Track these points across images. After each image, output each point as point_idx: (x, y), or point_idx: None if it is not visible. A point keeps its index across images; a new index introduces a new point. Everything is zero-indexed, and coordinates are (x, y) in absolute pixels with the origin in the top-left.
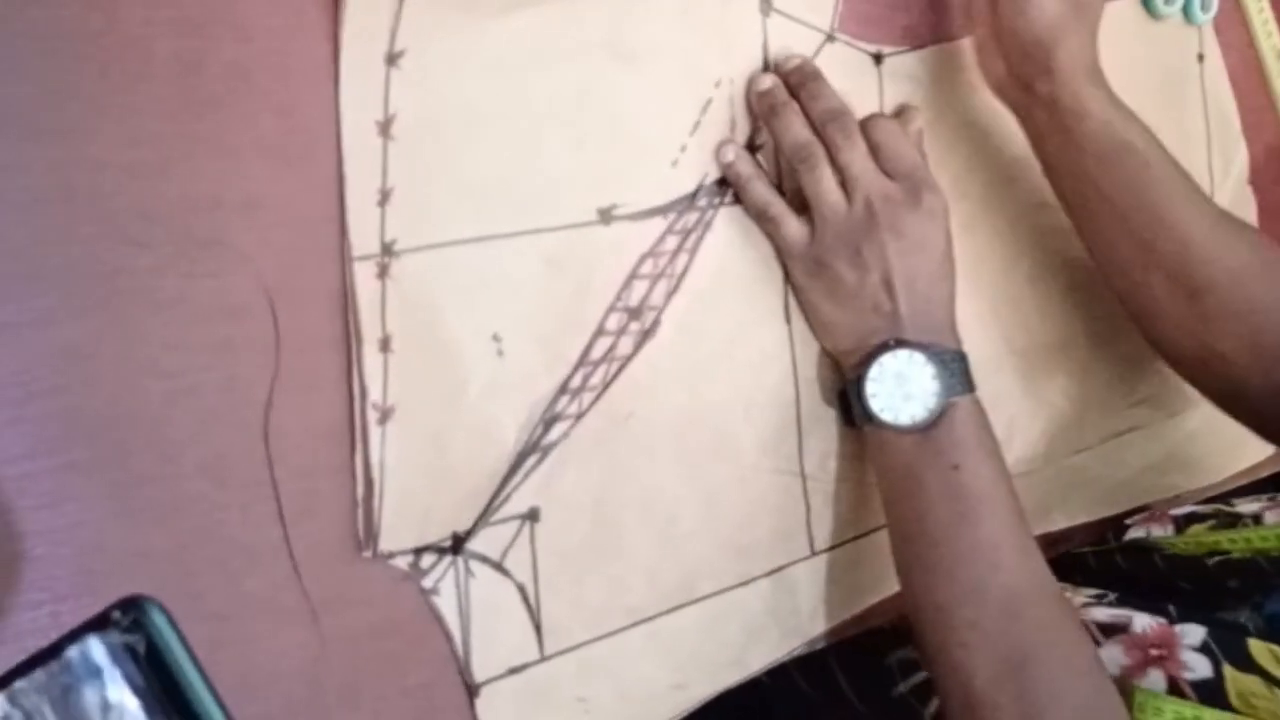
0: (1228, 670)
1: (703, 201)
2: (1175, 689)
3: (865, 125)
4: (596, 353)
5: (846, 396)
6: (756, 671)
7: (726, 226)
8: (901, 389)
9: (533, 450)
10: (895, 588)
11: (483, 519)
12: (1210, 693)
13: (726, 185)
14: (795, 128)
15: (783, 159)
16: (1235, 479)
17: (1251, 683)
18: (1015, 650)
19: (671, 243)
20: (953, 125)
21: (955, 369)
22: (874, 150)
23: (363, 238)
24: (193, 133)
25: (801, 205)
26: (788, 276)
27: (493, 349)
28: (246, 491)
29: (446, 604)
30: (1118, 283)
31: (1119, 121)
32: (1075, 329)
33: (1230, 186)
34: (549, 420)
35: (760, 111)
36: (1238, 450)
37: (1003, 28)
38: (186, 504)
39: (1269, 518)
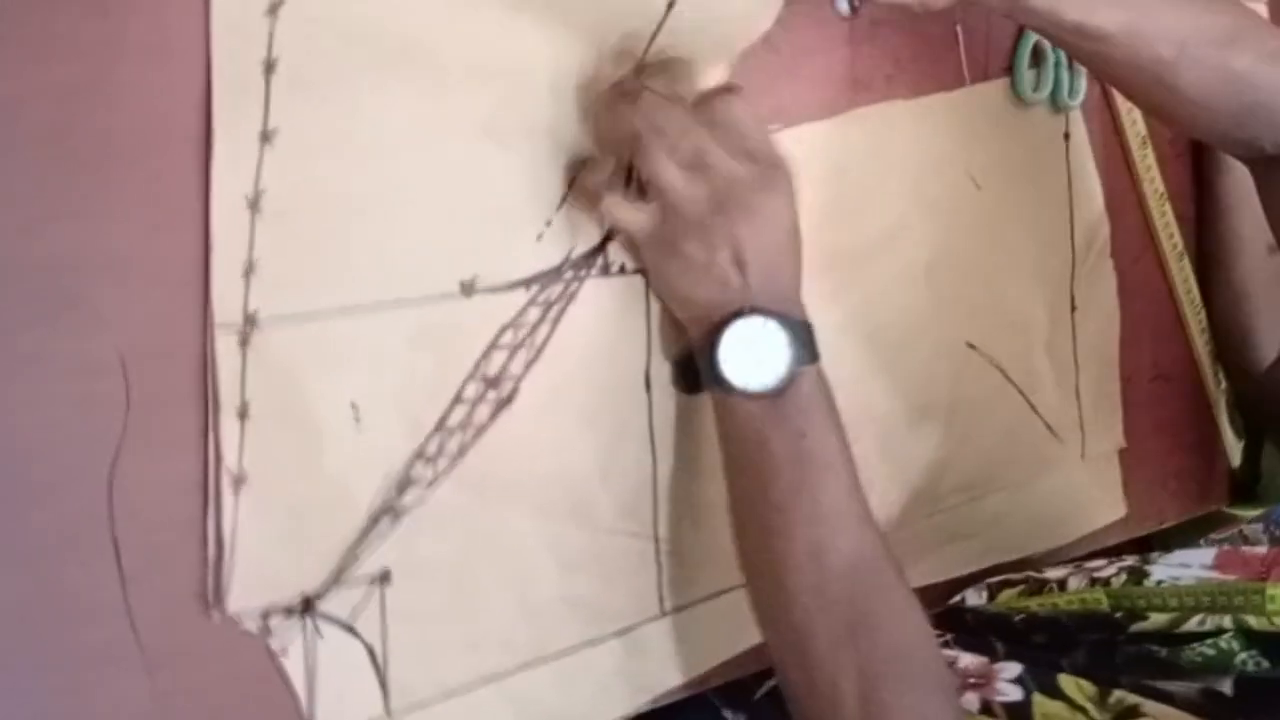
0: (1036, 697)
1: (568, 274)
2: (987, 709)
3: (709, 102)
4: (453, 420)
5: (687, 364)
6: None
7: (591, 299)
8: (753, 355)
9: (386, 514)
10: (743, 647)
11: (334, 580)
12: (1018, 714)
13: (592, 259)
14: (627, 117)
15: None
16: (1086, 542)
17: (1057, 707)
18: (855, 614)
19: (534, 314)
20: (824, 200)
21: (803, 338)
22: (716, 129)
23: (226, 306)
24: (59, 196)
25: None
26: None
27: (350, 417)
28: (93, 546)
29: (294, 664)
30: None
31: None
32: (936, 397)
33: (1092, 259)
34: (403, 485)
35: (602, 107)
36: (1090, 513)
37: None
38: (33, 557)
39: (1072, 583)
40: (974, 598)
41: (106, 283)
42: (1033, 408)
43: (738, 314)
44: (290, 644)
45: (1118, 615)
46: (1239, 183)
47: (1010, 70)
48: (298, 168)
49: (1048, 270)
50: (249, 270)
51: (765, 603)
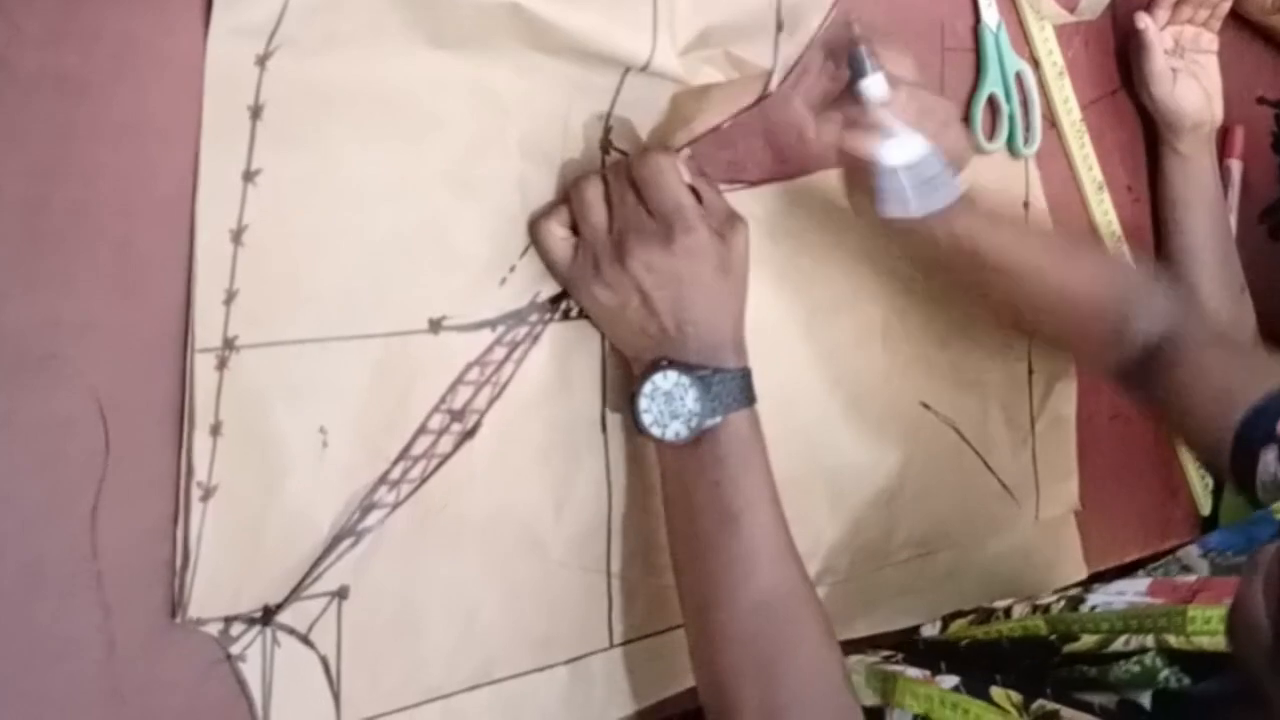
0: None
1: (533, 317)
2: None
3: (634, 161)
4: (418, 449)
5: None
6: None
7: (553, 341)
8: (669, 407)
9: (348, 534)
10: (691, 682)
11: (294, 594)
12: None
13: (556, 303)
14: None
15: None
16: None
17: (986, 709)
18: (762, 652)
19: (499, 353)
20: (782, 259)
21: (730, 387)
22: (638, 186)
23: (207, 331)
24: (34, 264)
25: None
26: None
27: (318, 441)
28: (64, 585)
29: (251, 671)
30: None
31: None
32: (888, 454)
33: None
34: (366, 508)
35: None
36: (1044, 575)
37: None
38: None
39: (1016, 610)
40: (928, 629)
41: (79, 342)
42: (988, 467)
43: (656, 365)
44: (249, 651)
45: (1052, 638)
46: (1197, 232)
47: (965, 120)
48: (279, 206)
49: (1005, 334)
50: (230, 298)
51: (690, 638)
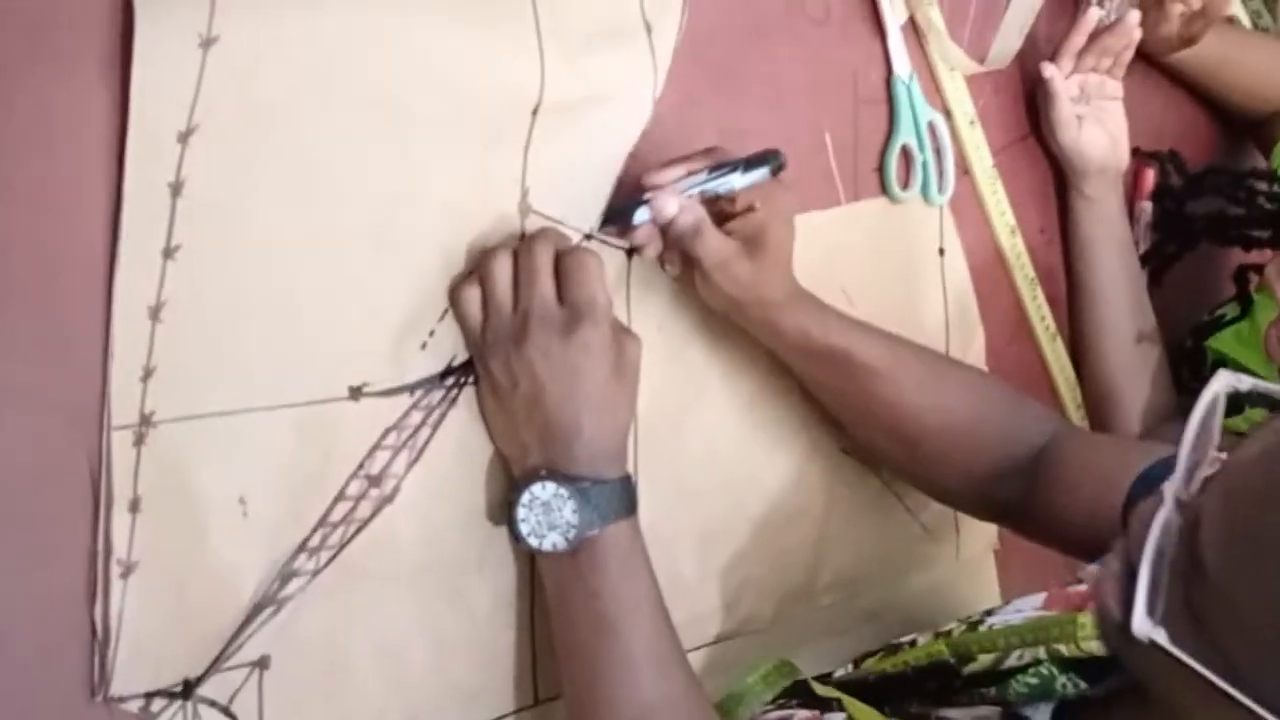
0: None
1: (449, 381)
2: None
3: (562, 253)
4: (336, 515)
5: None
6: None
7: (470, 405)
8: (547, 518)
9: (269, 604)
10: None
11: (214, 666)
12: None
13: (471, 367)
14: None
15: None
16: None
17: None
18: None
19: (416, 418)
20: (697, 313)
21: (610, 497)
22: (560, 275)
23: (123, 409)
24: None
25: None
26: None
27: (239, 510)
28: None
29: None
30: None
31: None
32: (809, 500)
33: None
34: (286, 576)
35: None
36: (962, 610)
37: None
38: None
39: (920, 640)
40: (841, 672)
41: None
42: (908, 510)
43: (536, 474)
44: None
45: (953, 661)
46: (1106, 272)
47: (880, 170)
48: (198, 280)
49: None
50: (147, 375)
51: None
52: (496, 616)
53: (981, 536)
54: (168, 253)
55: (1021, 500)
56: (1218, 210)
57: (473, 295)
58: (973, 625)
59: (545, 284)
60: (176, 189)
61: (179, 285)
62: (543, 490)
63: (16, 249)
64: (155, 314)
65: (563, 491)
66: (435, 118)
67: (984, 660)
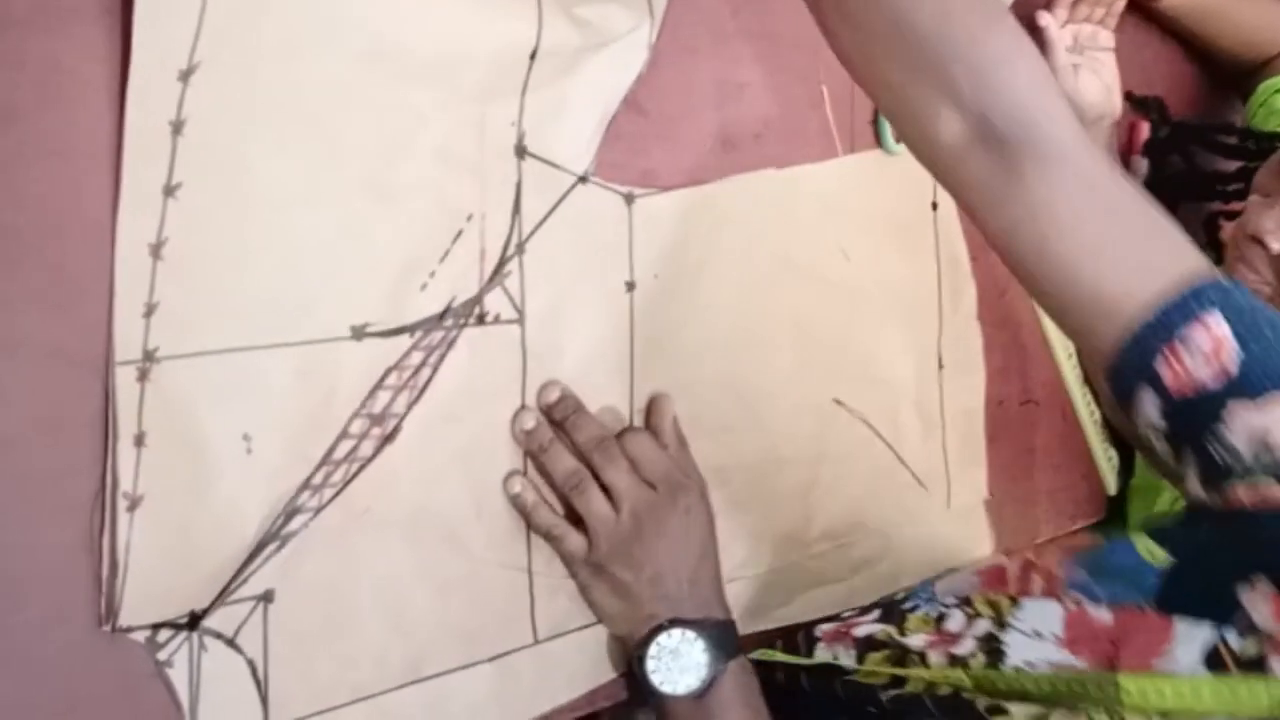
0: None
1: (449, 322)
2: None
3: (622, 441)
4: (339, 453)
5: (632, 674)
6: None
7: (469, 346)
8: (678, 663)
9: (273, 539)
10: (607, 677)
11: (219, 599)
12: None
13: (470, 308)
14: (564, 459)
15: (556, 486)
16: None
17: None
18: None
19: (416, 358)
20: (694, 259)
21: (726, 637)
22: (632, 463)
23: (126, 345)
24: None
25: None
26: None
27: (242, 447)
28: None
29: (179, 676)
30: None
31: None
32: (802, 449)
33: (959, 321)
34: (290, 513)
35: (529, 449)
36: (955, 559)
37: None
38: None
39: (932, 656)
40: (845, 658)
41: (10, 361)
42: (900, 459)
43: (660, 627)
44: (176, 656)
45: (981, 708)
46: None
47: (875, 123)
48: (200, 219)
49: (915, 331)
50: (149, 311)
51: None
52: (495, 558)
53: (972, 487)
54: (169, 190)
55: None
56: (1188, 165)
57: (566, 525)
58: (991, 654)
59: (633, 478)
60: (178, 127)
61: (180, 223)
62: (669, 639)
63: (31, 200)
64: (156, 251)
65: (689, 634)
66: (434, 61)
67: (1017, 715)
